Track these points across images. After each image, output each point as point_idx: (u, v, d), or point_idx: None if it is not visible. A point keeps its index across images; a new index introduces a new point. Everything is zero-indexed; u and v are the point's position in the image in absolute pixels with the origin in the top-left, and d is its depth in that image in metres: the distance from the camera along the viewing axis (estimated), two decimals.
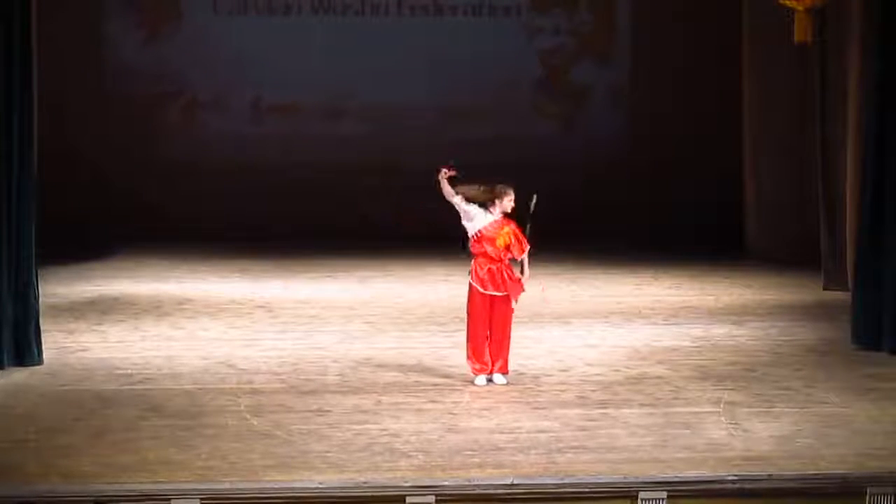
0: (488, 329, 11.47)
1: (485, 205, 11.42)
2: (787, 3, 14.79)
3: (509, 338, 11.58)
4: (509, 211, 11.43)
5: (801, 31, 14.86)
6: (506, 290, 11.40)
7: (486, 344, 11.51)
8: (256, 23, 21.15)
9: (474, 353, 11.51)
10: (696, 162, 20.57)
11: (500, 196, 11.39)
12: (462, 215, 11.42)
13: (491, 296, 11.41)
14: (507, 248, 11.40)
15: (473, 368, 11.55)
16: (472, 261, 11.46)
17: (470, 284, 11.46)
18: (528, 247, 11.45)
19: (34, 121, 12.27)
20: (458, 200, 11.36)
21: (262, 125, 21.28)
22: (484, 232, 11.37)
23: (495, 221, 11.40)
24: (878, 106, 13.01)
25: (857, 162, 14.84)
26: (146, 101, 20.91)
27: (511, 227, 11.42)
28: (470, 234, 11.44)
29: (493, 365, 11.53)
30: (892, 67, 12.89)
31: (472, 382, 11.50)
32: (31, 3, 12.23)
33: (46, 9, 14.53)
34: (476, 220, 11.39)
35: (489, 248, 11.37)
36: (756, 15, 18.67)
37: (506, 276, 11.42)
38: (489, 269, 11.39)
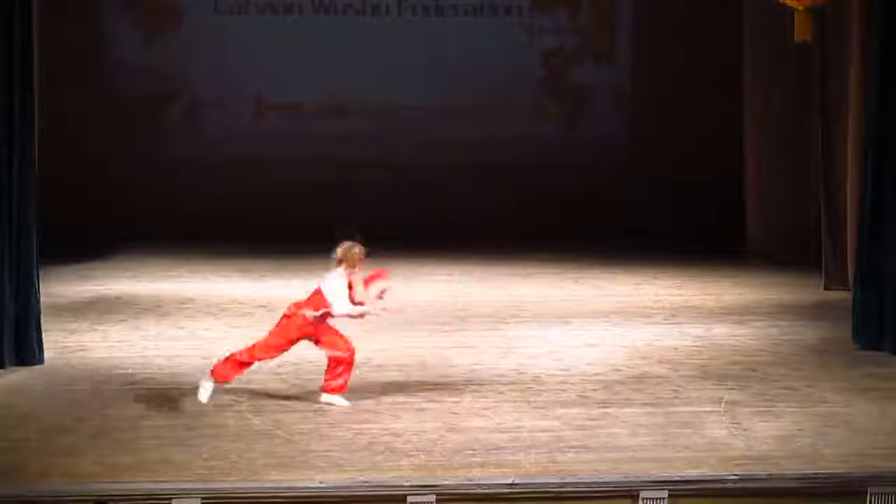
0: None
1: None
2: (787, 2, 14.77)
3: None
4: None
5: (801, 31, 14.83)
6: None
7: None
8: (257, 22, 21.14)
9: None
10: (696, 162, 20.56)
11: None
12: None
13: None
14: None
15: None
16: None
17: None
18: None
19: (35, 120, 12.26)
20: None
21: (263, 124, 21.28)
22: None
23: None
24: (878, 106, 13.00)
25: (857, 161, 14.84)
26: (147, 101, 20.87)
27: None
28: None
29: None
30: (893, 67, 12.89)
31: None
32: (32, 2, 12.22)
33: (47, 8, 14.52)
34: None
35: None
36: (756, 14, 18.67)
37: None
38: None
